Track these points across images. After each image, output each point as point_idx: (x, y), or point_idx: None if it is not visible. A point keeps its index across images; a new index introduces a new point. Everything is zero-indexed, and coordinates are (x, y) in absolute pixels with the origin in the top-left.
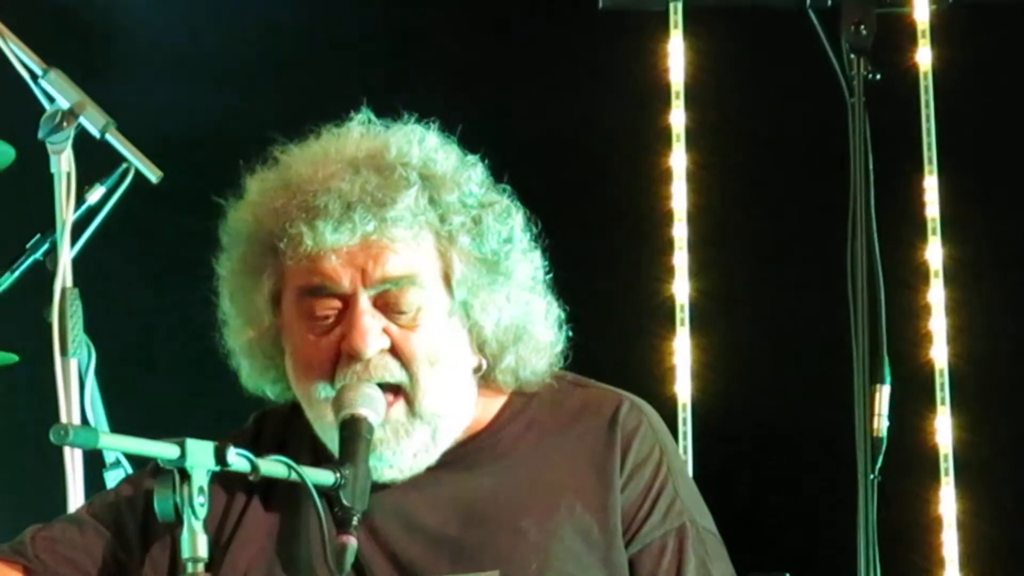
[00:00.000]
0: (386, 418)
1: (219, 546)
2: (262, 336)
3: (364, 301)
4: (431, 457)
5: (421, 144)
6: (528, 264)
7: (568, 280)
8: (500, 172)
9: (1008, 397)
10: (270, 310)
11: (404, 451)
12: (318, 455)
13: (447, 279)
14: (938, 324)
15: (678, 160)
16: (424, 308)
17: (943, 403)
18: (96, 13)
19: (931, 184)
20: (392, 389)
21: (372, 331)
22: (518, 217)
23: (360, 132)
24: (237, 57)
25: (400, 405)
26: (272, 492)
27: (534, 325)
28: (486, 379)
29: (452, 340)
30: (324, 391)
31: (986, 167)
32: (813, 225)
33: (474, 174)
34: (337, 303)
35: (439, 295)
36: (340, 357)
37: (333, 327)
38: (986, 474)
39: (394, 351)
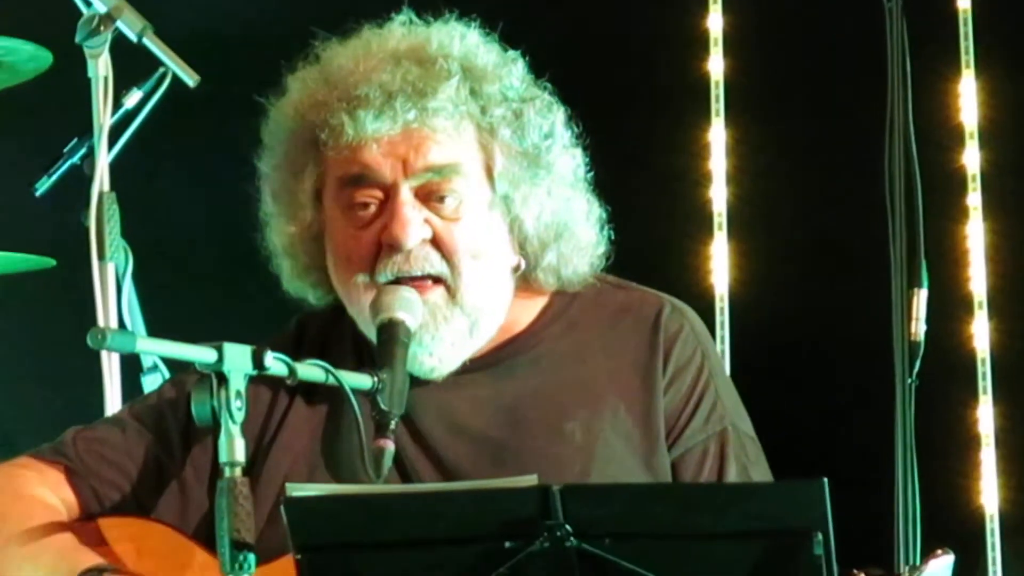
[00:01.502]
0: (424, 300)
1: (260, 448)
2: (304, 232)
3: (405, 191)
4: (467, 350)
5: (463, 38)
6: (570, 160)
7: (607, 181)
8: (542, 71)
9: None
10: (312, 205)
11: (443, 337)
12: (361, 358)
13: (488, 171)
14: (975, 229)
15: (715, 64)
16: (466, 199)
17: (980, 308)
18: None
19: (968, 87)
20: (434, 280)
21: (413, 222)
22: (559, 113)
23: (401, 29)
24: None
25: (440, 290)
26: (313, 395)
27: (575, 223)
28: (527, 279)
29: (494, 234)
30: (364, 281)
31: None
32: (850, 129)
33: (515, 68)
34: (378, 193)
35: (480, 187)
36: (381, 249)
37: (374, 219)
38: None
39: (435, 242)
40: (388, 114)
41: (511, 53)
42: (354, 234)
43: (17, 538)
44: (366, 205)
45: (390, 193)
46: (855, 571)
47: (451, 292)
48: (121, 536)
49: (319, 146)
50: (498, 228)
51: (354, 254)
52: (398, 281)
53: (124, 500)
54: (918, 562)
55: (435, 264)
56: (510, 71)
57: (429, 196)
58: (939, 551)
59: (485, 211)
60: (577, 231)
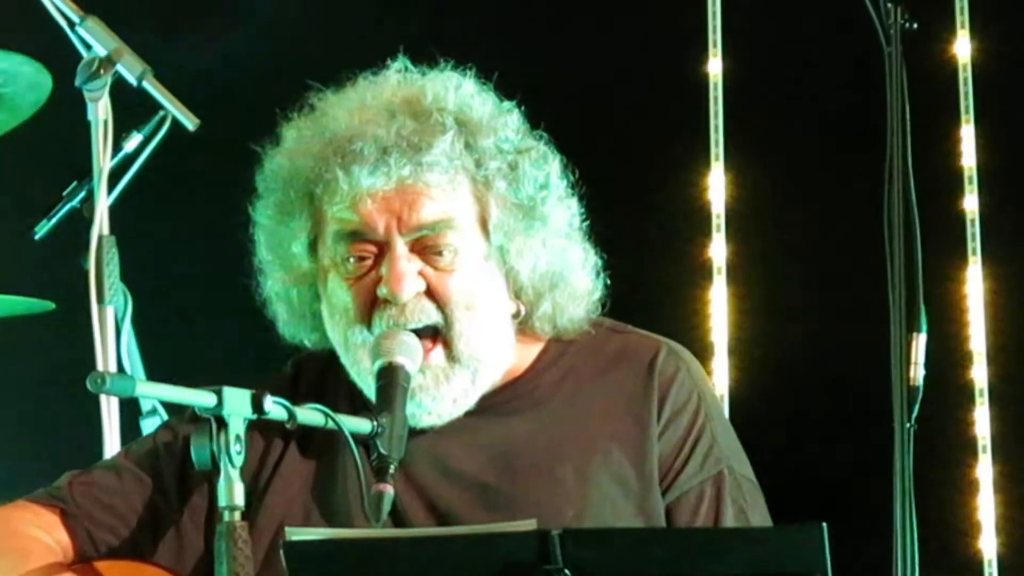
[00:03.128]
0: (425, 364)
1: (256, 493)
2: (299, 282)
3: (400, 246)
4: (470, 402)
5: (457, 90)
6: (565, 211)
7: (604, 230)
8: (537, 120)
9: None
10: (307, 256)
11: (444, 397)
12: (355, 402)
13: (483, 223)
14: (975, 283)
15: (715, 109)
16: (460, 251)
17: (979, 358)
18: None
19: (967, 134)
20: (430, 334)
21: (408, 275)
22: (555, 163)
23: (396, 79)
24: (274, 3)
25: (439, 351)
26: (309, 438)
27: (571, 272)
28: (523, 325)
29: (489, 284)
30: (361, 336)
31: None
32: (850, 175)
33: (510, 120)
34: (373, 248)
35: (475, 239)
36: (376, 302)
37: (369, 271)
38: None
39: (430, 294)
40: (383, 170)
41: (506, 104)
42: (350, 286)
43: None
44: (361, 258)
45: (385, 248)
46: None
47: (448, 347)
48: (111, 571)
49: (313, 199)
50: (494, 278)
51: (351, 305)
52: (389, 334)
53: (119, 543)
54: None
55: (431, 315)
56: (505, 123)
57: (424, 249)
58: None
59: (480, 262)
60: (572, 280)
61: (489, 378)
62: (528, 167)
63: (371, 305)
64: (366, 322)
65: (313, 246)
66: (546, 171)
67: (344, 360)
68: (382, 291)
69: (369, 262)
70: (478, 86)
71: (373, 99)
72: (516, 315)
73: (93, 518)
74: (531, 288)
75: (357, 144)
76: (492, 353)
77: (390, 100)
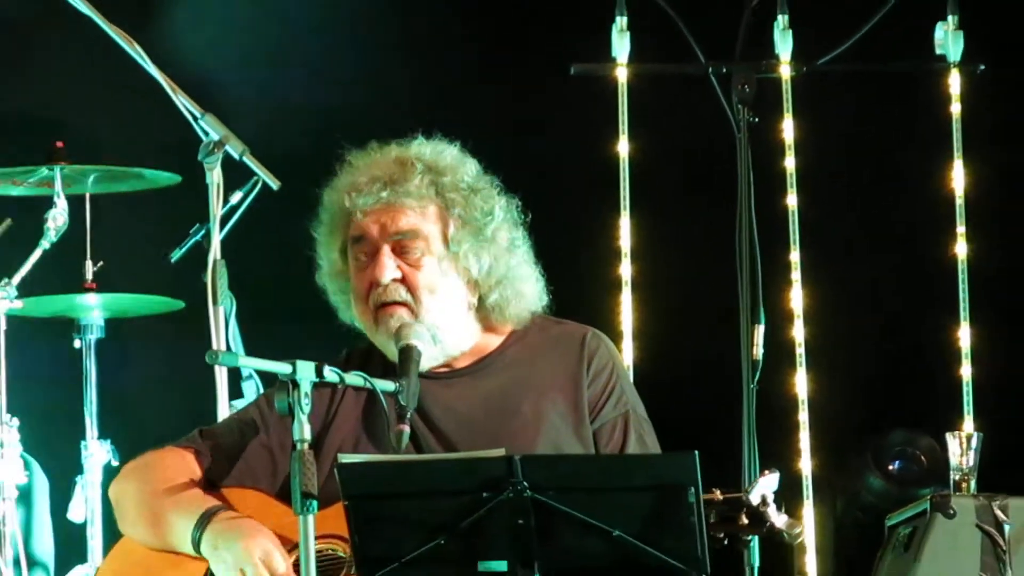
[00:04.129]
0: (393, 314)
1: (321, 432)
2: (338, 277)
3: (385, 247)
4: (433, 353)
5: (434, 148)
6: (506, 232)
7: (546, 255)
8: (509, 175)
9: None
10: (341, 259)
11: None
12: (387, 374)
13: (445, 236)
14: (796, 293)
15: (623, 184)
16: (425, 254)
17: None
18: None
19: (792, 201)
20: (401, 305)
21: (388, 267)
22: (501, 200)
23: (398, 144)
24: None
25: (404, 311)
26: (355, 396)
27: (513, 276)
28: (487, 320)
29: (445, 278)
30: (365, 307)
31: (825, 193)
32: (714, 218)
33: (469, 168)
34: (370, 249)
35: (437, 246)
36: (372, 285)
37: (367, 265)
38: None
39: (403, 281)
40: (371, 195)
41: (467, 158)
42: (358, 275)
43: (165, 491)
44: (363, 256)
45: (376, 248)
46: (714, 489)
47: (414, 313)
48: (230, 495)
49: (343, 217)
50: (448, 274)
51: (359, 287)
52: (382, 306)
53: (230, 474)
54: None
55: (402, 295)
56: (465, 170)
57: (400, 251)
58: (767, 471)
59: (440, 262)
60: (514, 282)
61: (450, 343)
62: (477, 200)
63: (368, 287)
64: (366, 298)
65: (344, 252)
66: (491, 204)
67: (361, 324)
68: (371, 277)
69: (368, 259)
70: (455, 148)
71: (380, 157)
72: (474, 305)
73: (213, 457)
74: (481, 283)
75: (363, 183)
76: (450, 324)
77: (387, 156)
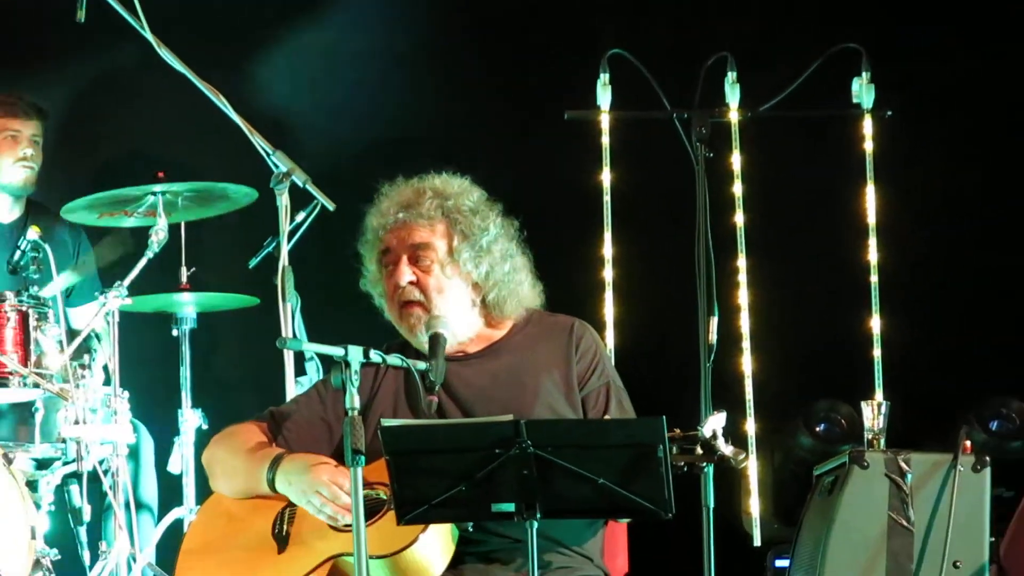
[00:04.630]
0: (412, 313)
1: (368, 401)
2: (377, 283)
3: (403, 258)
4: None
5: (445, 181)
6: (501, 245)
7: (546, 263)
8: (508, 201)
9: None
10: (378, 269)
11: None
12: (417, 358)
13: (451, 248)
14: (743, 292)
15: (606, 205)
16: (433, 262)
17: (745, 329)
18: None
19: (739, 220)
20: (416, 304)
21: (404, 272)
22: (498, 219)
23: (419, 178)
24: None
25: (419, 308)
26: (394, 374)
27: (508, 279)
28: (491, 313)
29: (450, 281)
30: (393, 306)
31: (767, 213)
32: (678, 235)
33: (472, 194)
34: (393, 259)
35: (444, 256)
36: (395, 288)
37: (392, 272)
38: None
39: (417, 284)
40: (393, 215)
41: (473, 186)
42: (386, 281)
43: (244, 451)
44: (389, 265)
45: (397, 258)
46: (675, 428)
47: (426, 310)
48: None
49: (375, 235)
50: (454, 277)
51: (388, 289)
52: (403, 304)
53: (297, 443)
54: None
55: (416, 295)
56: (468, 196)
57: (415, 259)
58: (716, 411)
59: (445, 268)
60: (509, 284)
61: (458, 331)
62: (476, 219)
63: (393, 289)
64: (392, 298)
65: (379, 264)
66: (488, 222)
67: (393, 320)
68: (393, 281)
69: (391, 267)
70: (463, 179)
71: (406, 187)
72: (477, 303)
73: (282, 428)
74: (481, 285)
75: (386, 207)
76: (455, 317)
77: (408, 188)
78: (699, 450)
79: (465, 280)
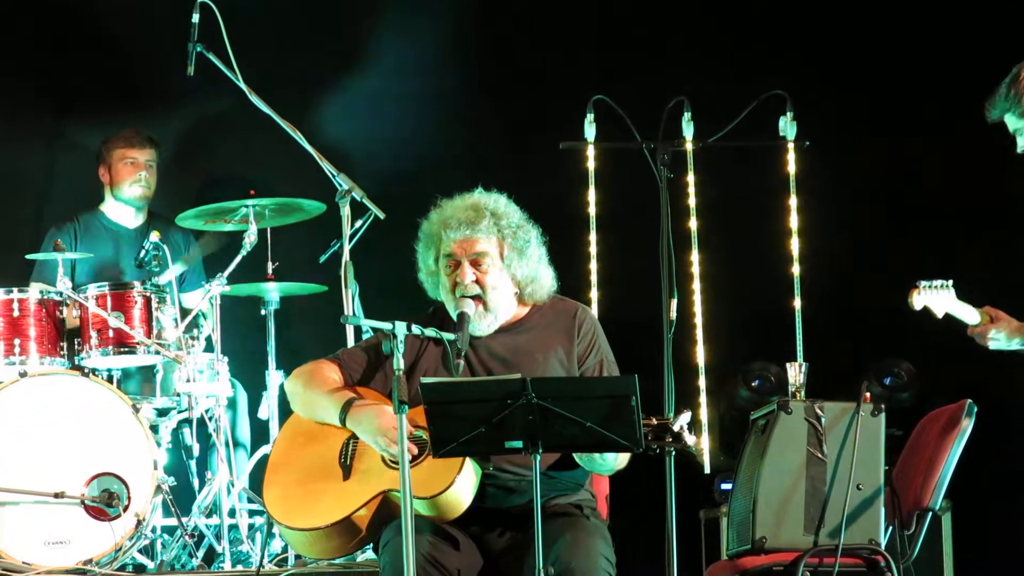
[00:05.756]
0: (476, 311)
1: (413, 363)
2: (431, 275)
3: (466, 262)
4: (494, 327)
5: (494, 198)
6: (535, 251)
7: (552, 261)
8: (536, 215)
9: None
10: (435, 264)
11: (482, 324)
12: (452, 327)
13: (501, 254)
14: (696, 279)
15: (592, 217)
16: (491, 266)
17: (697, 308)
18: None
19: (693, 224)
20: (476, 298)
21: (469, 273)
22: (535, 233)
23: (471, 194)
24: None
25: (480, 306)
26: (433, 342)
27: (539, 276)
28: (521, 297)
29: (502, 279)
30: (451, 298)
31: (715, 219)
32: (647, 237)
33: (515, 212)
34: (456, 262)
35: (496, 261)
36: (456, 284)
37: (454, 271)
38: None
39: (477, 282)
40: (458, 231)
41: (513, 205)
42: (448, 277)
43: (324, 391)
44: (453, 266)
45: (460, 262)
46: (652, 417)
47: (484, 305)
48: (359, 390)
49: (436, 241)
50: (504, 278)
51: (447, 285)
52: (463, 297)
53: (362, 378)
54: (672, 416)
55: (476, 290)
56: (513, 213)
57: (476, 264)
58: (684, 410)
59: (499, 271)
60: (540, 279)
61: (504, 317)
62: (521, 233)
63: (454, 285)
64: (452, 291)
65: (436, 261)
66: (529, 235)
67: (447, 307)
68: (458, 279)
69: (455, 267)
70: (506, 198)
71: (461, 202)
72: (517, 294)
73: (350, 368)
74: (522, 281)
75: (452, 222)
76: (504, 307)
77: (468, 203)
78: (669, 438)
79: (511, 279)
